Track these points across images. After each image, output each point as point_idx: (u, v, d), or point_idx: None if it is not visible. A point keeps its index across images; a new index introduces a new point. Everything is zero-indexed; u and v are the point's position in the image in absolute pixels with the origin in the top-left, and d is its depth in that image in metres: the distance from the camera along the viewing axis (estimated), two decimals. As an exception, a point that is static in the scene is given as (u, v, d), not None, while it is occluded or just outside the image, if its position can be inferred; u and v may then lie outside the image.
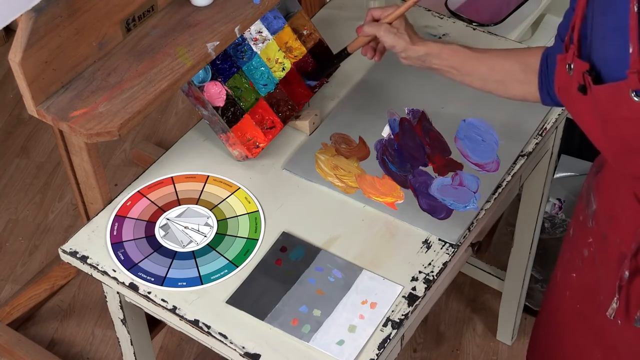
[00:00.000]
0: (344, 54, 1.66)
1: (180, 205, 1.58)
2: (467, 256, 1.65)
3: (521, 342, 2.37)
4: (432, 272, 1.47)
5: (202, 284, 1.46)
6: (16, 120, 3.00)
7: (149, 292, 1.45)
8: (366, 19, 1.58)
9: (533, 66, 1.43)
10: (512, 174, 1.61)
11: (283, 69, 1.71)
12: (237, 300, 1.43)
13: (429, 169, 1.62)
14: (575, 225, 1.48)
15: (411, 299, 1.44)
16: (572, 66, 1.22)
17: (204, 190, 1.60)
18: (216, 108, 1.60)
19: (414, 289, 1.45)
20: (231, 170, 1.64)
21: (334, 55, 1.71)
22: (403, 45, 1.53)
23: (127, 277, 1.47)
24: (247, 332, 1.40)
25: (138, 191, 1.60)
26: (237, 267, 1.48)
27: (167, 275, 1.47)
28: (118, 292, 1.54)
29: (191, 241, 1.52)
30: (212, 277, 1.47)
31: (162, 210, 1.57)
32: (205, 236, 1.53)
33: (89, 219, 1.61)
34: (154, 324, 1.73)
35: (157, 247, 1.51)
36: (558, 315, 1.56)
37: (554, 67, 1.33)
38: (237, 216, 1.56)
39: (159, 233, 1.53)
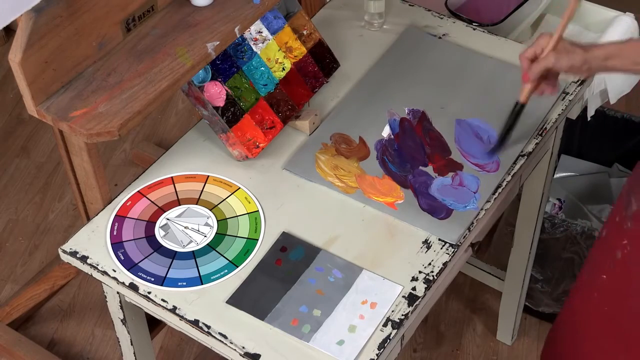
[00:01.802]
0: (519, 107, 1.57)
1: (180, 205, 1.58)
2: (467, 256, 1.65)
3: (521, 342, 2.37)
4: (432, 272, 1.47)
5: (202, 284, 1.46)
6: (16, 120, 3.00)
7: (149, 292, 1.45)
8: (524, 65, 1.50)
9: None
10: (512, 174, 1.61)
11: (283, 69, 1.71)
12: (237, 300, 1.43)
13: (429, 169, 1.62)
14: (610, 227, 1.46)
15: (411, 299, 1.44)
16: None
17: (204, 190, 1.60)
18: (216, 108, 1.60)
19: (414, 289, 1.45)
20: (231, 170, 1.64)
21: (509, 117, 1.59)
22: (581, 59, 1.43)
23: (127, 277, 1.47)
24: (247, 332, 1.40)
25: (138, 191, 1.60)
26: (237, 267, 1.48)
27: (167, 275, 1.47)
28: (118, 292, 1.54)
29: (191, 241, 1.52)
30: (212, 277, 1.47)
31: (162, 210, 1.57)
32: (205, 236, 1.53)
33: (89, 219, 1.61)
34: (154, 324, 1.73)
35: (157, 247, 1.51)
36: (583, 316, 1.54)
37: None
38: (237, 216, 1.56)
39: (159, 233, 1.53)
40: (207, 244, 1.52)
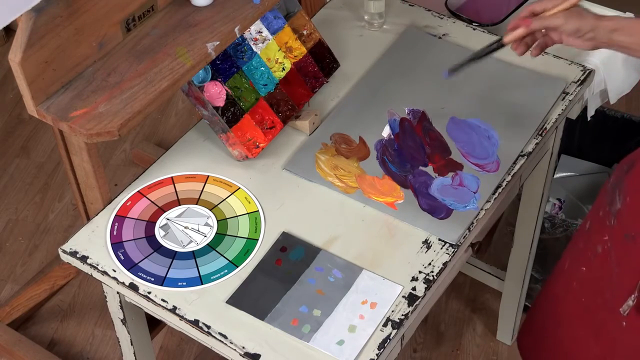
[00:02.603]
0: (498, 45, 1.52)
1: (180, 205, 1.58)
2: (467, 256, 1.65)
3: (521, 342, 2.37)
4: (432, 272, 1.47)
5: (202, 284, 1.46)
6: (16, 120, 3.00)
7: (149, 292, 1.45)
8: (524, 13, 1.46)
9: None
10: (512, 174, 1.61)
11: (283, 69, 1.71)
12: (237, 300, 1.43)
13: (429, 169, 1.62)
14: (593, 219, 1.47)
15: (411, 299, 1.44)
16: None
17: (204, 190, 1.60)
18: (216, 108, 1.60)
19: (414, 289, 1.45)
20: (231, 170, 1.64)
21: (483, 48, 1.55)
22: (590, 25, 1.39)
23: (127, 277, 1.47)
24: (247, 332, 1.40)
25: (138, 191, 1.60)
26: (237, 267, 1.48)
27: (167, 275, 1.47)
28: (118, 292, 1.54)
29: (191, 241, 1.52)
30: (212, 277, 1.47)
31: (162, 210, 1.57)
32: (205, 236, 1.53)
33: (89, 219, 1.61)
34: (154, 324, 1.73)
35: (157, 247, 1.51)
36: (561, 303, 1.56)
37: None
38: (237, 216, 1.56)
39: (159, 233, 1.53)
40: (207, 244, 1.52)
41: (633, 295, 1.34)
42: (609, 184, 1.43)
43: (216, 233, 1.53)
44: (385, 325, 1.40)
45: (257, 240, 1.52)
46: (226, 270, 1.48)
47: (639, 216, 1.34)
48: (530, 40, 1.49)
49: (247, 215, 1.56)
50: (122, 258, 1.49)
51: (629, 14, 1.88)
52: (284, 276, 1.46)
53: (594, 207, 1.48)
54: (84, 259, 1.50)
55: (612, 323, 1.41)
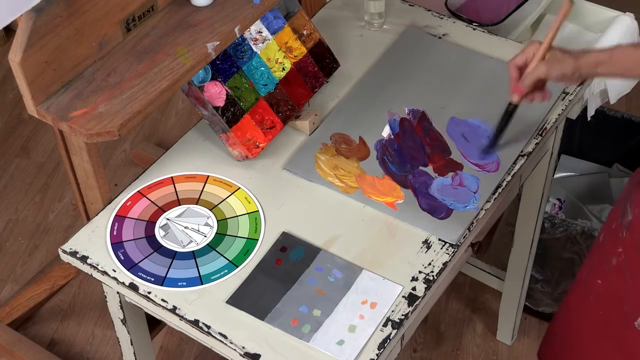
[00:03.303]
0: (512, 108, 1.57)
1: (180, 205, 1.58)
2: (467, 256, 1.65)
3: (521, 342, 2.37)
4: (432, 272, 1.47)
5: (202, 284, 1.46)
6: (16, 120, 3.00)
7: (149, 292, 1.45)
8: (512, 74, 1.50)
9: None
10: (512, 174, 1.61)
11: (283, 69, 1.71)
12: (237, 300, 1.43)
13: (429, 169, 1.62)
14: (607, 232, 1.46)
15: (411, 299, 1.44)
16: None
17: (204, 190, 1.60)
18: (216, 108, 1.60)
19: (414, 289, 1.45)
20: (231, 170, 1.64)
21: (502, 118, 1.60)
22: (572, 67, 1.42)
23: (127, 277, 1.47)
24: (247, 332, 1.40)
25: (138, 191, 1.60)
26: (237, 267, 1.48)
27: (167, 275, 1.47)
28: (118, 292, 1.54)
29: (191, 241, 1.52)
30: (212, 277, 1.47)
31: (162, 210, 1.57)
32: (205, 236, 1.53)
33: (89, 219, 1.61)
34: (154, 324, 1.73)
35: (157, 247, 1.51)
36: (579, 317, 1.55)
37: None
38: (237, 216, 1.56)
39: (159, 233, 1.53)
40: (207, 244, 1.52)
41: None
42: (621, 196, 1.43)
43: (216, 233, 1.53)
44: (385, 325, 1.40)
45: (257, 240, 1.52)
46: (226, 270, 1.48)
47: None
48: (540, 86, 1.51)
49: (247, 215, 1.56)
50: (122, 258, 1.49)
51: (629, 14, 1.88)
52: (284, 276, 1.46)
53: (607, 220, 1.48)
54: (84, 259, 1.50)
55: (631, 336, 1.40)
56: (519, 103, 1.54)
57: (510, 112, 1.58)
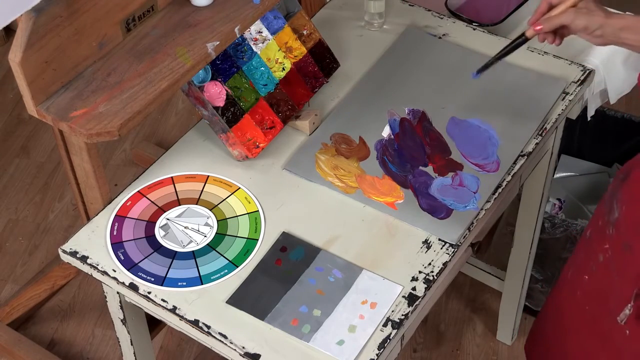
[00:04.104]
0: (522, 40, 1.54)
1: (180, 205, 1.58)
2: (467, 256, 1.65)
3: (521, 342, 2.37)
4: (432, 272, 1.47)
5: (202, 284, 1.46)
6: (16, 120, 3.00)
7: (149, 292, 1.45)
8: (542, 8, 1.48)
9: None
10: (512, 174, 1.61)
11: (283, 69, 1.71)
12: (237, 300, 1.43)
13: (429, 169, 1.62)
14: (593, 228, 1.47)
15: (411, 299, 1.44)
16: None
17: (204, 190, 1.60)
18: (216, 108, 1.60)
19: (414, 289, 1.45)
20: (231, 170, 1.64)
21: (507, 46, 1.57)
22: (599, 22, 1.41)
23: (127, 277, 1.47)
24: (247, 332, 1.40)
25: (138, 191, 1.60)
26: (237, 267, 1.48)
27: (167, 275, 1.47)
28: (118, 292, 1.54)
29: (191, 241, 1.52)
30: (212, 277, 1.47)
31: (162, 210, 1.57)
32: (205, 236, 1.53)
33: (89, 219, 1.61)
34: (154, 324, 1.73)
35: (157, 247, 1.51)
36: (566, 313, 1.56)
37: None
38: (237, 216, 1.56)
39: (159, 233, 1.53)
40: (207, 244, 1.52)
41: (630, 304, 1.34)
42: (607, 193, 1.43)
43: (216, 233, 1.53)
44: (385, 325, 1.40)
45: (257, 240, 1.52)
46: (226, 270, 1.48)
47: (634, 226, 1.34)
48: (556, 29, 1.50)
49: (247, 215, 1.56)
50: (122, 258, 1.49)
51: (628, 14, 1.88)
52: (284, 276, 1.46)
53: (594, 216, 1.48)
54: (84, 259, 1.50)
55: (616, 332, 1.40)
56: (531, 38, 1.52)
57: (518, 44, 1.55)
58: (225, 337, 1.39)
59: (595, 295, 1.45)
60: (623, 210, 1.36)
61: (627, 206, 1.35)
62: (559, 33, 1.50)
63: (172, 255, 1.50)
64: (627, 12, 1.49)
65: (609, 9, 1.47)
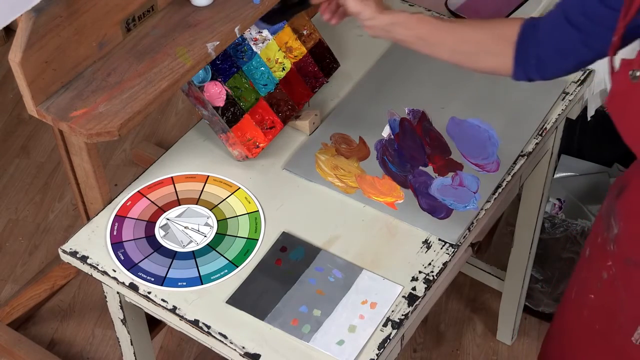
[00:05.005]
0: (306, 3, 1.58)
1: (180, 205, 1.58)
2: (467, 256, 1.65)
3: (521, 342, 2.37)
4: (432, 272, 1.47)
5: (202, 284, 1.46)
6: (16, 120, 3.00)
7: (149, 292, 1.45)
8: None
9: (508, 37, 1.34)
10: (512, 174, 1.61)
11: (283, 69, 1.71)
12: (237, 300, 1.43)
13: (429, 169, 1.62)
14: (593, 247, 1.45)
15: (411, 299, 1.44)
16: (637, 74, 1.13)
17: (204, 190, 1.60)
18: (216, 108, 1.60)
19: (414, 289, 1.45)
20: (231, 170, 1.64)
21: (291, 5, 1.61)
22: (369, 13, 1.45)
23: (127, 277, 1.47)
24: (247, 332, 1.40)
25: (138, 191, 1.60)
26: (237, 267, 1.48)
27: (167, 275, 1.47)
28: (118, 292, 1.54)
29: (191, 241, 1.52)
30: (212, 277, 1.47)
31: (162, 210, 1.57)
32: (205, 236, 1.53)
33: (89, 219, 1.61)
34: (154, 324, 1.73)
35: (157, 247, 1.51)
36: (574, 333, 1.54)
37: (535, 40, 1.29)
38: (237, 216, 1.56)
39: (159, 233, 1.53)
40: (207, 244, 1.52)
41: None
42: (603, 209, 1.42)
43: (216, 233, 1.53)
44: (385, 325, 1.40)
45: (257, 240, 1.52)
46: (226, 270, 1.48)
47: (635, 241, 1.33)
48: (336, 7, 1.53)
49: (247, 215, 1.56)
50: (122, 258, 1.49)
51: (401, 10, 1.84)
52: (284, 276, 1.46)
53: (591, 235, 1.47)
54: (84, 259, 1.50)
55: (631, 349, 1.39)
56: (314, 4, 1.55)
57: (298, 2, 1.59)
58: (225, 337, 1.39)
59: (603, 312, 1.44)
60: (622, 226, 1.35)
61: (625, 221, 1.34)
62: (340, 12, 1.53)
63: (172, 255, 1.50)
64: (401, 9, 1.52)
65: (387, 4, 1.48)
